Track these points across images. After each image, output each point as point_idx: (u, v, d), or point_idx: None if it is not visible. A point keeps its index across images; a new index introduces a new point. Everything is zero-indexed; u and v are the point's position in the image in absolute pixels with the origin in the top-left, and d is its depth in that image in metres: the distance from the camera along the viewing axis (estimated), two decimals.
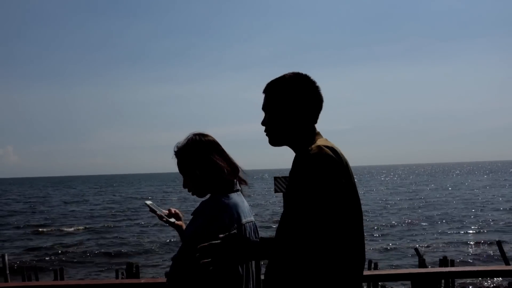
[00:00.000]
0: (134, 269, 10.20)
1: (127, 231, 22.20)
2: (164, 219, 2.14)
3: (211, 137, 2.04)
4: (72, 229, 23.76)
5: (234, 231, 1.87)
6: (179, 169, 2.02)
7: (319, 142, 1.62)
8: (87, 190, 70.62)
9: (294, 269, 1.53)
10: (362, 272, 1.60)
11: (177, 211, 2.20)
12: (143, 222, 25.12)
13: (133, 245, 18.27)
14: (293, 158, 1.71)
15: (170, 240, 18.21)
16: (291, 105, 1.69)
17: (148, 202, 2.17)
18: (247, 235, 1.93)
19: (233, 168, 2.01)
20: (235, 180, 2.01)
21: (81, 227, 24.23)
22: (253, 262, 1.96)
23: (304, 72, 1.75)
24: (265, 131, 1.75)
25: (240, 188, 2.03)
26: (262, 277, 2.08)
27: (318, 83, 1.74)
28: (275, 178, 3.21)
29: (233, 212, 1.89)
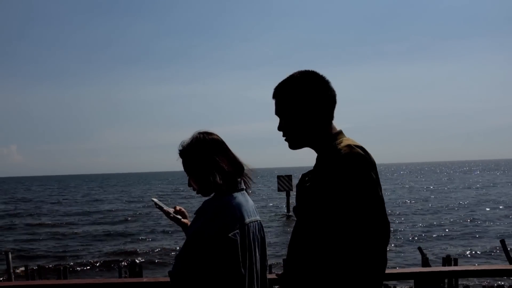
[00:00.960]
0: (137, 268, 10.20)
1: (132, 231, 22.23)
2: (171, 215, 2.14)
3: (216, 135, 2.02)
4: (77, 227, 23.81)
5: (237, 231, 1.86)
6: (184, 168, 2.02)
7: (347, 141, 1.58)
8: (93, 189, 70.70)
9: (320, 267, 1.49)
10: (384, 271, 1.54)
11: (182, 209, 2.20)
12: (145, 222, 25.15)
13: (137, 244, 18.30)
14: (306, 155, 1.67)
15: (174, 241, 18.24)
16: (305, 105, 1.63)
17: (155, 199, 2.17)
18: (251, 235, 1.92)
19: (238, 167, 2.00)
20: (239, 179, 2.00)
21: (85, 226, 24.29)
22: (258, 261, 1.95)
23: (310, 69, 1.69)
24: (283, 135, 1.70)
25: (244, 187, 2.02)
26: (269, 276, 2.09)
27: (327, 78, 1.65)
28: (279, 177, 3.24)
29: (236, 212, 1.89)
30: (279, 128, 1.70)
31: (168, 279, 2.86)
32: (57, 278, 10.48)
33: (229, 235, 1.83)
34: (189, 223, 2.13)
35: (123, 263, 13.98)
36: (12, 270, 10.43)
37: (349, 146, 1.53)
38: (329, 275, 1.48)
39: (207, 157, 1.94)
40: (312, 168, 1.68)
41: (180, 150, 2.02)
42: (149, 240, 19.04)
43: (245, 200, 1.97)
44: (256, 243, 1.96)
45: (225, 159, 1.96)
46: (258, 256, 1.96)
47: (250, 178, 2.05)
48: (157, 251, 16.56)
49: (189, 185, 2.04)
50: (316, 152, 1.67)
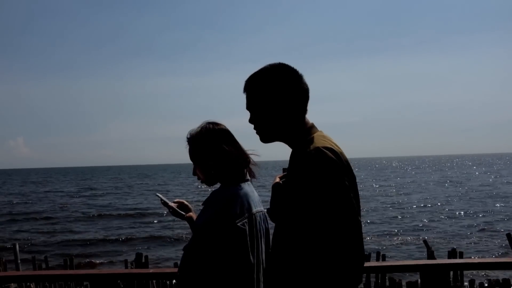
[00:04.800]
0: (143, 259, 10.24)
1: (139, 222, 22.33)
2: (175, 210, 2.13)
3: (224, 126, 2.04)
4: (83, 218, 23.95)
5: (245, 220, 1.88)
6: (190, 157, 2.02)
7: (317, 141, 1.54)
8: (103, 181, 70.90)
9: (295, 270, 1.49)
10: (362, 271, 1.51)
11: (184, 202, 2.20)
12: (155, 213, 25.19)
13: (142, 236, 18.38)
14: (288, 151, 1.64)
15: (179, 232, 18.31)
16: (275, 98, 1.59)
17: (160, 195, 2.16)
18: (257, 225, 1.94)
19: (244, 158, 2.01)
20: (245, 170, 2.01)
21: (93, 217, 24.42)
22: (263, 251, 1.97)
23: (282, 62, 1.65)
24: (254, 129, 1.68)
25: (250, 178, 2.03)
26: None
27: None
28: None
29: (244, 202, 1.90)
30: (250, 121, 1.67)
31: (174, 269, 2.87)
32: (63, 268, 10.56)
33: (238, 224, 1.86)
34: (193, 216, 2.13)
35: (126, 254, 14.06)
36: (19, 261, 10.52)
37: (317, 148, 1.48)
38: (302, 279, 1.46)
39: (215, 147, 1.96)
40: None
41: (188, 138, 2.03)
42: (155, 232, 19.12)
43: (251, 190, 1.99)
44: (262, 233, 1.98)
45: (233, 150, 1.97)
46: (264, 246, 1.98)
47: (252, 171, 2.06)
48: (162, 243, 16.63)
49: (194, 173, 2.05)
50: (290, 147, 1.64)
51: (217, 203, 1.88)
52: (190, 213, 2.14)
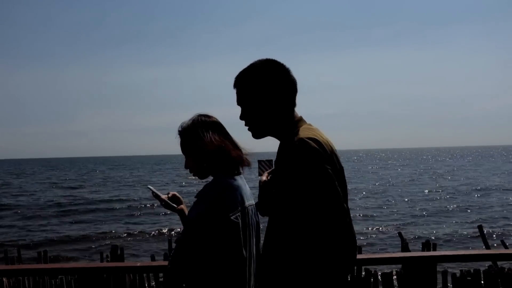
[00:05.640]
0: (119, 251, 10.08)
1: (114, 215, 22.06)
2: (168, 204, 2.11)
3: (216, 118, 2.03)
4: (58, 212, 23.54)
5: (238, 213, 1.88)
6: (182, 150, 2.01)
7: (302, 132, 1.57)
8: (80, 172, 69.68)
9: (287, 263, 1.51)
10: (354, 259, 1.52)
11: (176, 194, 2.18)
12: (133, 206, 24.96)
13: (119, 230, 18.17)
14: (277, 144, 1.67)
15: (157, 227, 18.18)
16: (265, 93, 1.64)
17: (151, 187, 2.15)
18: (249, 218, 1.95)
19: (237, 150, 2.00)
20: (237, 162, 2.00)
21: (68, 210, 24.02)
22: (254, 245, 1.97)
23: (272, 58, 1.69)
24: (245, 125, 1.71)
25: (242, 171, 2.03)
26: None
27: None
28: (259, 162, 3.20)
29: (237, 195, 1.90)
30: (241, 117, 1.70)
31: (163, 263, 2.82)
32: (37, 262, 10.32)
33: (232, 217, 1.85)
34: (185, 209, 2.12)
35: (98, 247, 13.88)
36: None
37: (300, 139, 1.52)
38: (294, 271, 1.49)
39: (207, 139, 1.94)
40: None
41: (179, 131, 2.01)
42: (131, 226, 18.93)
43: (244, 183, 2.00)
44: (253, 226, 1.99)
45: (226, 142, 1.96)
46: (255, 239, 1.99)
47: (248, 163, 2.05)
48: (137, 237, 16.48)
49: (186, 166, 2.03)
50: (279, 140, 1.68)
51: (210, 196, 1.87)
52: (182, 206, 2.13)
